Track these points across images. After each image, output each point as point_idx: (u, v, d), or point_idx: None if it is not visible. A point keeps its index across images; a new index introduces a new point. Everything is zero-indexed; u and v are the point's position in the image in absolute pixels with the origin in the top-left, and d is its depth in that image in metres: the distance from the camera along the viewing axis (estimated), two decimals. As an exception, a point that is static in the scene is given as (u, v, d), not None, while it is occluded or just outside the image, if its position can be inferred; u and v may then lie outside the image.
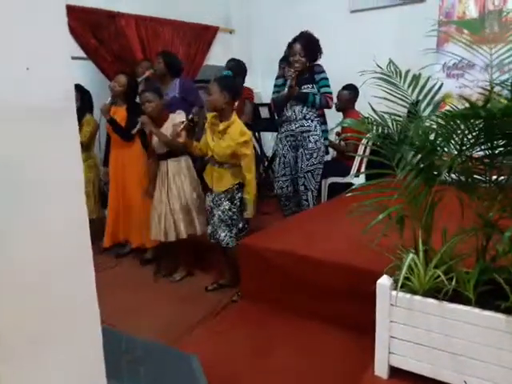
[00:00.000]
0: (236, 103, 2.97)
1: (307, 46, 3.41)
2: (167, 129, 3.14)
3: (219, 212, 2.94)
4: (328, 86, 3.49)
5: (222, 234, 2.92)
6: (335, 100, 3.82)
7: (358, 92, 4.11)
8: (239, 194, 2.92)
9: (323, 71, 3.50)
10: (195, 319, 2.63)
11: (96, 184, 3.93)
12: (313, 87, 3.46)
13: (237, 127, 2.83)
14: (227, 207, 2.92)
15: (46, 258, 1.06)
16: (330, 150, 4.18)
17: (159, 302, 2.98)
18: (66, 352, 1.11)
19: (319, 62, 3.55)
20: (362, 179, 3.82)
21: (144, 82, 3.68)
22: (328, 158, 4.34)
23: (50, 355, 1.07)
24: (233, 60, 4.19)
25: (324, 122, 3.61)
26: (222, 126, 2.83)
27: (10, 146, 0.95)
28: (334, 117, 4.16)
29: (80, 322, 1.16)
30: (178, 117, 3.15)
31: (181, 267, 3.35)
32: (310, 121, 3.48)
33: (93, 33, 3.97)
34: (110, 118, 3.40)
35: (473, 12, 3.68)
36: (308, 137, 3.48)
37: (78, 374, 1.14)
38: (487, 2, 3.67)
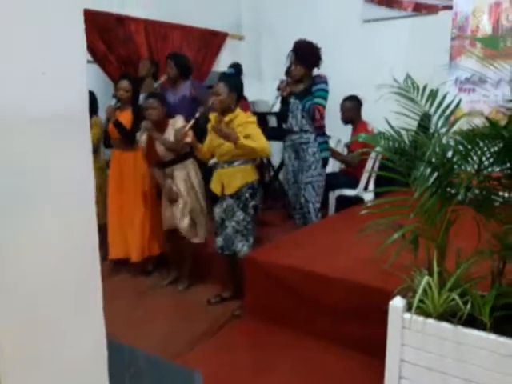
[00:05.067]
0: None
1: (301, 53, 3.37)
2: (169, 135, 3.13)
3: (233, 223, 2.85)
4: (322, 97, 3.36)
5: (240, 244, 2.84)
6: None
7: (361, 103, 4.05)
8: (252, 202, 2.85)
9: (322, 82, 3.39)
10: (197, 332, 2.58)
11: (104, 189, 3.88)
12: (311, 99, 3.42)
13: (242, 116, 2.81)
14: (241, 217, 2.84)
15: (53, 272, 1.02)
16: (331, 162, 4.13)
17: (160, 313, 2.93)
18: (71, 366, 1.07)
19: (320, 71, 3.47)
20: (371, 193, 3.77)
21: (159, 87, 3.67)
22: (336, 169, 4.29)
23: (53, 369, 1.04)
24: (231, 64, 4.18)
25: (323, 134, 3.52)
26: (227, 118, 2.77)
27: (22, 154, 0.91)
28: (342, 128, 4.14)
29: (85, 336, 1.13)
30: (178, 121, 3.14)
31: (183, 278, 3.31)
32: (308, 133, 3.42)
33: (101, 36, 3.95)
34: (116, 120, 3.37)
35: (486, 26, 3.62)
36: (306, 149, 3.43)
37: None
38: (501, 17, 3.62)
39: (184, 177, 3.19)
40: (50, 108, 0.96)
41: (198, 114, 3.01)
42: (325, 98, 3.37)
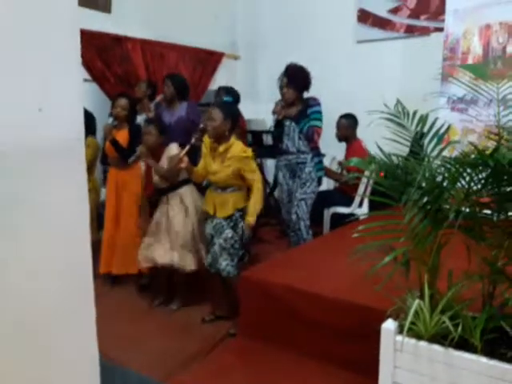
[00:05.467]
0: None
1: (292, 77, 3.48)
2: (163, 163, 3.16)
3: (220, 240, 2.89)
4: (318, 119, 3.50)
5: (224, 263, 2.87)
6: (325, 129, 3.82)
7: (357, 121, 4.13)
8: (242, 223, 2.89)
9: (316, 105, 3.52)
10: (191, 351, 2.57)
11: (94, 207, 3.90)
12: (308, 121, 3.50)
13: (237, 146, 2.85)
14: (230, 235, 2.87)
15: (47, 294, 1.04)
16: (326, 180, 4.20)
17: (154, 332, 2.91)
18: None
19: (315, 90, 3.57)
20: (365, 210, 3.82)
21: (155, 106, 3.72)
22: (330, 187, 4.35)
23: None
24: (225, 88, 4.22)
25: (318, 155, 3.64)
26: (222, 148, 2.84)
27: (19, 184, 0.95)
28: (337, 145, 4.20)
29: (79, 360, 1.15)
30: (173, 149, 3.16)
31: (177, 297, 3.30)
32: (305, 154, 3.54)
33: (99, 55, 4.02)
34: (113, 138, 3.40)
35: (477, 48, 3.71)
36: (304, 168, 3.55)
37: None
38: (491, 39, 3.71)
39: (178, 204, 3.20)
40: (47, 141, 1.00)
41: (193, 140, 3.06)
42: (320, 120, 3.50)
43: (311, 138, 3.49)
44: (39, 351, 1.05)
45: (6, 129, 0.92)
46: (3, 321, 0.96)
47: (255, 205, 2.83)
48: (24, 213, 0.98)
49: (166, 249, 3.16)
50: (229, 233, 2.88)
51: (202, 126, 3.28)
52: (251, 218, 2.83)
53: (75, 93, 1.07)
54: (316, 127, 3.47)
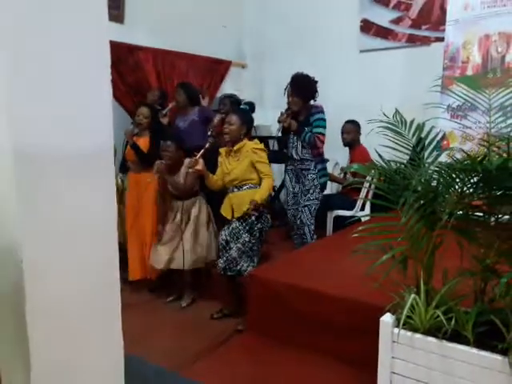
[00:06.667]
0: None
1: (298, 86, 3.62)
2: (183, 174, 3.31)
3: (239, 245, 3.00)
4: (321, 126, 3.60)
5: (245, 265, 3.00)
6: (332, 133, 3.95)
7: (360, 127, 4.26)
8: (258, 225, 3.01)
9: (319, 112, 3.63)
10: (200, 347, 2.67)
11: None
12: (310, 129, 3.62)
13: (250, 143, 3.06)
14: (247, 239, 3.00)
15: (78, 294, 1.17)
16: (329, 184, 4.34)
17: (164, 328, 3.03)
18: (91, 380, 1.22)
19: (319, 98, 3.70)
20: (366, 212, 3.94)
21: (168, 113, 3.88)
22: (333, 191, 4.49)
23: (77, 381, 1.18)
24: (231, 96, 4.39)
25: (322, 161, 3.76)
26: (236, 147, 3.04)
27: (58, 184, 1.07)
28: (341, 151, 4.33)
29: (104, 351, 1.27)
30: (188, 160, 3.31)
31: (186, 294, 3.42)
32: (308, 161, 3.68)
33: (113, 65, 4.16)
34: (133, 143, 3.51)
35: (476, 57, 3.83)
36: (307, 175, 3.68)
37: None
38: (491, 48, 3.83)
39: (194, 208, 3.37)
40: (83, 148, 1.13)
41: (208, 144, 3.20)
42: (323, 127, 3.61)
43: (314, 146, 3.60)
44: (71, 334, 1.16)
45: (50, 137, 1.06)
46: (40, 316, 1.08)
47: (262, 193, 2.98)
48: (60, 212, 1.11)
49: (166, 251, 3.33)
50: (246, 237, 3.00)
51: (216, 118, 3.40)
52: (258, 198, 2.95)
53: (107, 106, 1.20)
54: (318, 134, 3.57)
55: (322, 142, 3.63)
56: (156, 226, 3.53)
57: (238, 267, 3.02)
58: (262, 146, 3.09)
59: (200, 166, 3.07)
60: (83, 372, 1.19)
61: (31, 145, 1.00)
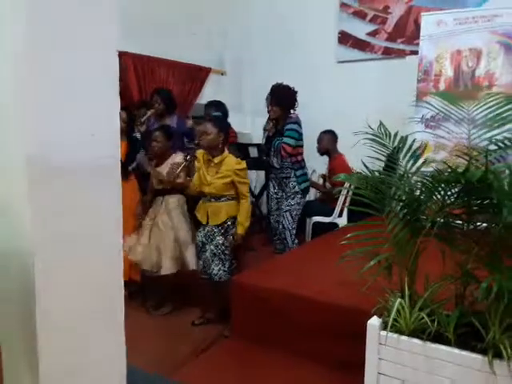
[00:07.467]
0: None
1: (277, 96, 3.74)
2: (164, 168, 3.31)
3: (212, 247, 3.04)
4: (290, 137, 3.72)
5: (216, 268, 3.02)
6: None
7: (336, 136, 4.39)
8: (233, 230, 3.05)
9: (292, 123, 3.75)
10: (183, 354, 2.67)
11: None
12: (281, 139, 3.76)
13: (231, 158, 3.04)
14: (220, 242, 3.03)
15: (85, 296, 1.20)
16: (313, 191, 4.47)
17: (146, 336, 2.99)
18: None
19: (297, 108, 3.82)
20: (344, 219, 4.06)
21: (146, 121, 3.88)
22: (311, 198, 4.59)
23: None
24: (215, 103, 4.41)
25: (301, 167, 3.88)
26: (217, 160, 3.01)
27: (74, 194, 1.12)
28: (319, 160, 4.43)
29: (109, 355, 1.30)
30: (177, 157, 3.33)
31: (167, 301, 3.40)
32: (288, 169, 3.81)
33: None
34: None
35: (449, 71, 4.02)
36: (288, 183, 3.83)
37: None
38: (462, 63, 4.02)
39: (173, 206, 3.35)
40: (96, 160, 1.17)
41: (189, 157, 3.23)
42: (292, 137, 3.71)
43: (280, 154, 3.73)
44: (77, 342, 1.19)
45: (66, 150, 1.10)
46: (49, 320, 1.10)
47: (244, 222, 3.01)
48: (70, 217, 1.14)
49: (146, 252, 3.29)
50: (220, 239, 3.04)
51: (196, 141, 3.46)
52: (241, 231, 3.00)
53: (115, 119, 1.24)
54: (284, 144, 3.70)
55: (287, 153, 3.73)
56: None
57: (210, 270, 3.05)
58: (243, 164, 3.05)
59: (181, 179, 3.16)
60: (88, 376, 1.22)
61: (44, 153, 1.04)
